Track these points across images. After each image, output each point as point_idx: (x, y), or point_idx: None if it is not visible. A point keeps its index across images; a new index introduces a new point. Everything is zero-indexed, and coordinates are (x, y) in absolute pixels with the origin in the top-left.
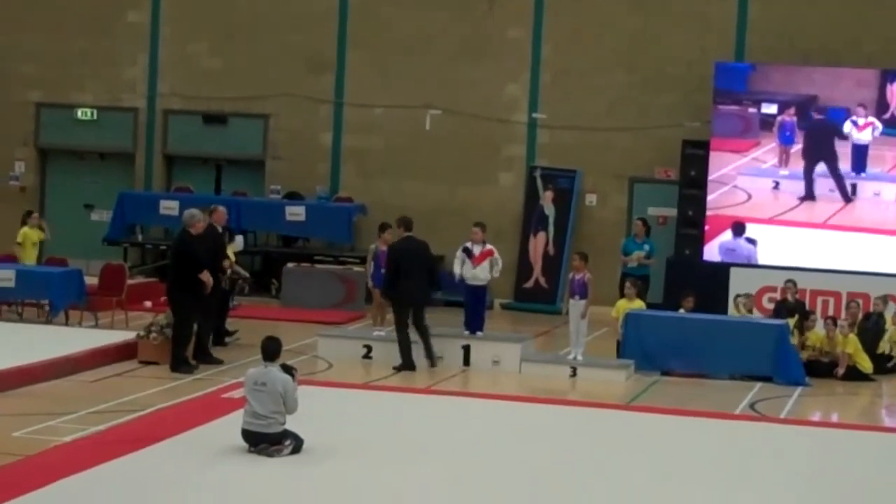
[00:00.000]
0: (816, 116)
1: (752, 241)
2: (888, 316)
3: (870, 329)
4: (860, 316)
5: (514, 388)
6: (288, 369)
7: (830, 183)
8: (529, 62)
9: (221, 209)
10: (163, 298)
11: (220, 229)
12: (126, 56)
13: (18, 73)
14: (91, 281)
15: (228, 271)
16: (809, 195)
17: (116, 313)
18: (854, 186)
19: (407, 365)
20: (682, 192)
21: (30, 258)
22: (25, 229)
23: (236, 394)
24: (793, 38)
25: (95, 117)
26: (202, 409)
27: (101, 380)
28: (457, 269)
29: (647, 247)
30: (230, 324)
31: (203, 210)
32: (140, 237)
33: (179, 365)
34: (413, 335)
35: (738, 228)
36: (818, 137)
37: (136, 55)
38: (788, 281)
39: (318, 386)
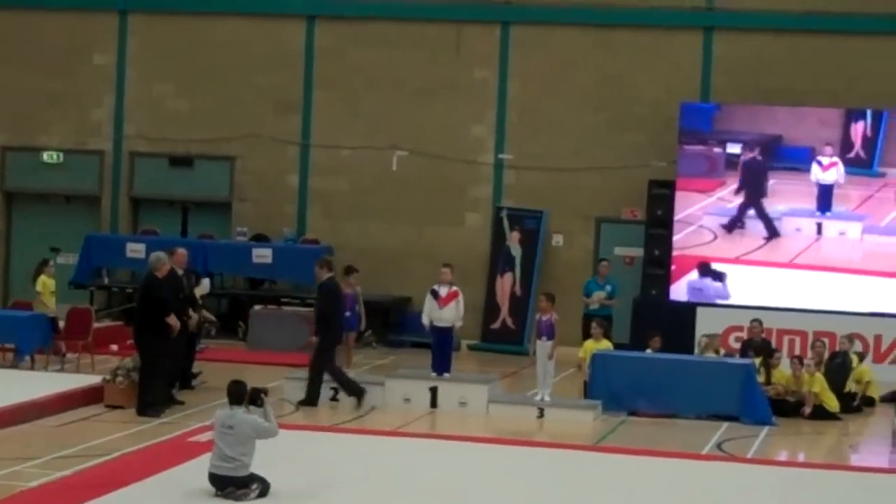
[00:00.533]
0: (747, 155)
1: (719, 278)
2: (854, 355)
3: (836, 368)
4: (826, 355)
5: (482, 430)
6: (256, 396)
7: (797, 222)
8: (496, 102)
9: (181, 251)
10: (129, 342)
11: (179, 272)
12: (92, 98)
13: None
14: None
15: (195, 317)
16: (735, 224)
17: (83, 357)
18: (819, 225)
19: (311, 401)
20: (648, 232)
21: (49, 306)
22: (43, 277)
23: (203, 437)
24: (758, 78)
25: (61, 160)
26: (169, 452)
27: (67, 424)
28: (425, 319)
29: (608, 287)
30: (196, 366)
31: (166, 251)
32: (106, 280)
33: (146, 409)
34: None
35: (705, 268)
36: (751, 175)
37: (102, 97)
38: (754, 320)
39: (285, 429)
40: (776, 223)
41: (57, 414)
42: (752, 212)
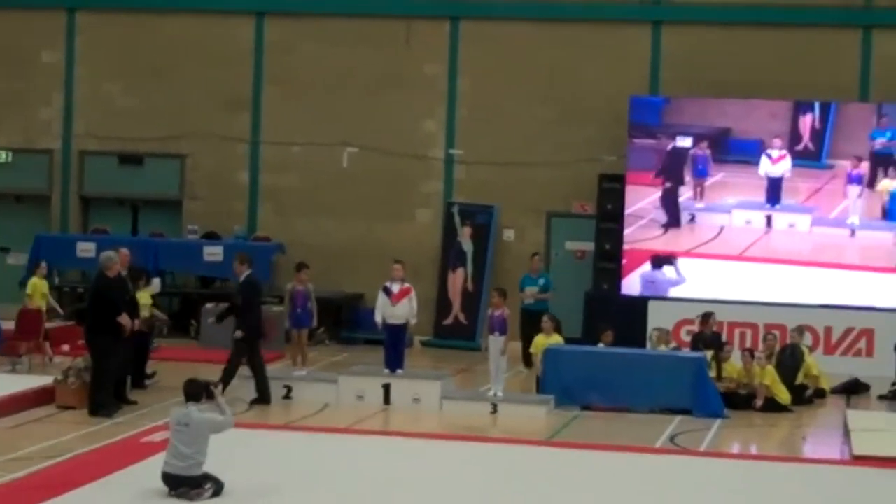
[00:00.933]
0: (671, 145)
1: (670, 262)
2: (804, 347)
3: (786, 361)
4: (777, 348)
5: (435, 426)
6: (206, 389)
7: (746, 214)
8: (446, 98)
9: (124, 251)
10: (81, 342)
11: (122, 272)
12: (40, 97)
13: None
14: (7, 325)
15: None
16: (673, 223)
17: (33, 358)
18: (769, 218)
19: (263, 399)
20: (599, 226)
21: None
22: (34, 279)
23: (156, 437)
24: (706, 71)
25: (10, 159)
26: (122, 453)
27: (19, 426)
28: (378, 317)
29: (541, 281)
30: (150, 366)
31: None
32: (57, 280)
33: (98, 409)
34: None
35: (658, 260)
36: (672, 164)
37: (50, 96)
38: (706, 313)
39: (239, 428)
40: (726, 216)
41: (8, 415)
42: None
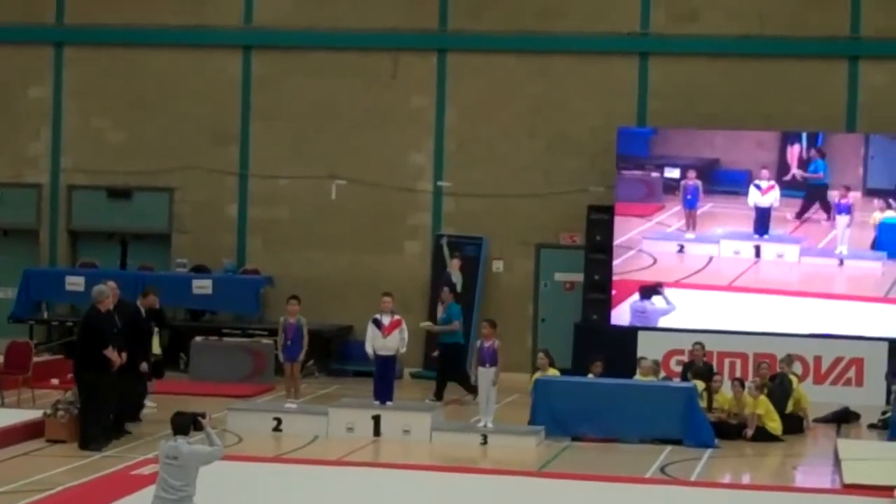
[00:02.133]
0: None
1: (658, 292)
2: (793, 376)
3: (776, 389)
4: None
5: (426, 458)
6: (194, 421)
7: (735, 245)
8: (433, 130)
9: (111, 284)
10: (70, 375)
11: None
12: (29, 132)
13: None
14: None
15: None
16: None
17: (23, 392)
18: (758, 248)
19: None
20: (588, 257)
21: None
22: None
23: (146, 470)
24: (694, 102)
25: None
26: (112, 486)
27: (8, 459)
28: (369, 349)
29: (444, 316)
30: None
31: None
32: (46, 314)
33: (88, 442)
34: None
35: (647, 291)
36: None
37: (38, 130)
38: (696, 343)
39: (229, 460)
40: (714, 246)
41: None
42: (692, 235)
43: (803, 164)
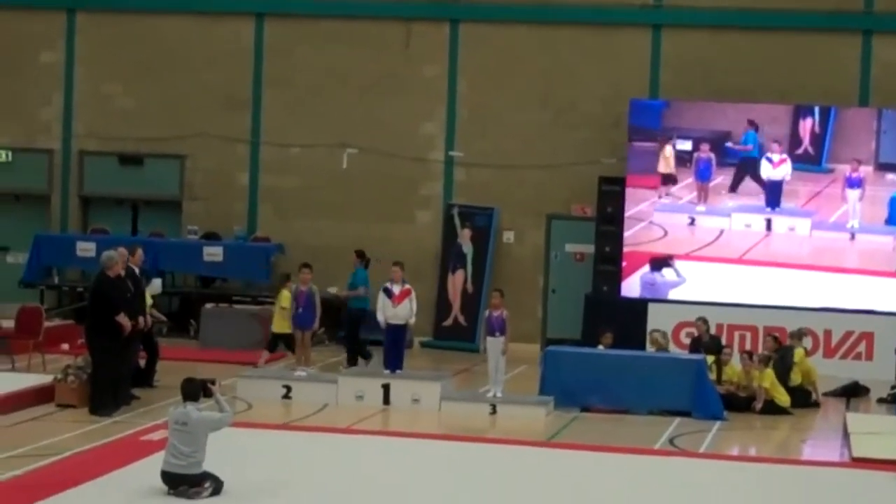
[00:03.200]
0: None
1: (668, 264)
2: (800, 350)
3: (778, 362)
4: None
5: (435, 427)
6: (204, 387)
7: (746, 218)
8: (445, 100)
9: (139, 251)
10: (80, 341)
11: (136, 270)
12: (40, 97)
13: None
14: (7, 324)
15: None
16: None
17: (33, 356)
18: (769, 221)
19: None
20: (598, 229)
21: None
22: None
23: (155, 436)
24: (706, 75)
25: (10, 159)
26: (121, 451)
27: (18, 424)
28: (380, 316)
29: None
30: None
31: (129, 248)
32: (56, 279)
33: (98, 408)
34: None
35: (657, 263)
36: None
37: (50, 96)
38: (699, 318)
39: (238, 427)
40: (726, 219)
41: (8, 413)
42: (703, 208)
43: (815, 138)
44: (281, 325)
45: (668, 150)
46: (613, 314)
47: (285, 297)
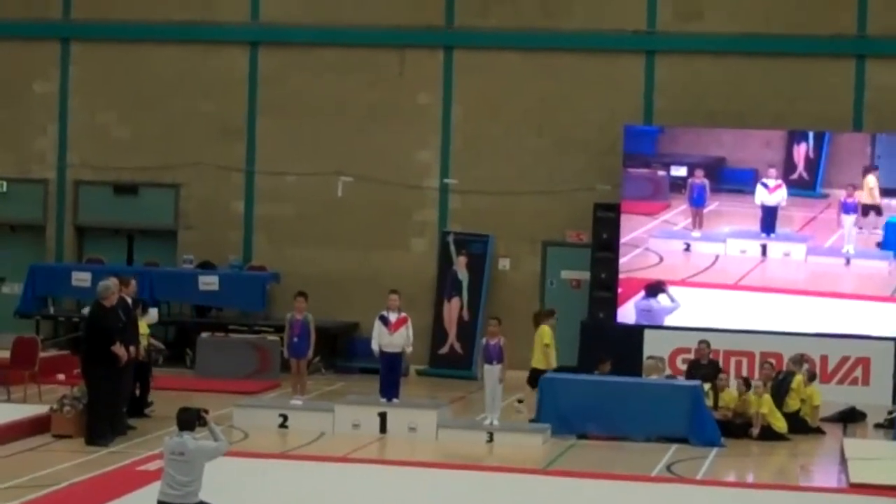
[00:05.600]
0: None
1: (662, 290)
2: (798, 376)
3: (775, 388)
4: (773, 375)
5: (432, 455)
6: (199, 416)
7: (741, 244)
8: (440, 127)
9: (132, 282)
10: (76, 371)
11: (128, 300)
12: (35, 127)
13: None
14: (3, 354)
15: (145, 342)
16: None
17: (29, 387)
18: (764, 247)
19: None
20: (594, 255)
21: None
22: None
23: (152, 466)
24: (700, 101)
25: (5, 189)
26: (118, 481)
27: (15, 455)
28: (375, 346)
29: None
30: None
31: (121, 279)
32: (52, 309)
33: (94, 438)
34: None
35: (652, 289)
36: None
37: (45, 126)
38: (702, 341)
39: (234, 456)
40: (721, 245)
41: (4, 444)
42: (698, 234)
43: (809, 163)
44: (539, 360)
45: (872, 180)
46: (609, 341)
47: (546, 332)
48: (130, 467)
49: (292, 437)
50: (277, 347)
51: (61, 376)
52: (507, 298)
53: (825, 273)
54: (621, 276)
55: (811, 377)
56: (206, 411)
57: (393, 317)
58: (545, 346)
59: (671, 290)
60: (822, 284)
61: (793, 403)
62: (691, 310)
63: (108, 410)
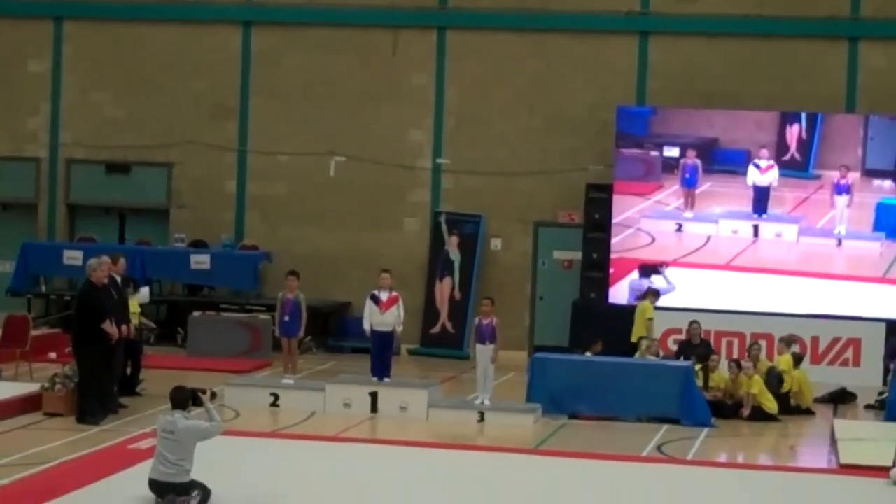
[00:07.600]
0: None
1: (658, 271)
2: (786, 356)
3: (770, 381)
4: (763, 357)
5: (422, 434)
6: (194, 396)
7: (733, 224)
8: (433, 107)
9: (121, 260)
10: (68, 349)
11: (118, 279)
12: (28, 105)
13: None
14: None
15: (136, 321)
16: None
17: (20, 365)
18: (756, 228)
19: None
20: (586, 236)
21: None
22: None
23: (143, 444)
24: (693, 82)
25: None
26: (109, 460)
27: (6, 433)
28: (366, 325)
29: None
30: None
31: (111, 257)
32: (44, 288)
33: (85, 416)
34: None
35: (646, 269)
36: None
37: (37, 104)
38: (693, 322)
39: (226, 435)
40: (713, 225)
41: None
42: (690, 214)
43: (802, 144)
44: (640, 332)
45: None
46: (601, 321)
47: (648, 308)
48: (121, 445)
49: (283, 416)
50: (269, 326)
51: (53, 355)
52: (498, 278)
53: (817, 254)
54: (613, 256)
55: (797, 360)
56: (205, 391)
57: (384, 296)
58: (648, 321)
59: (667, 272)
60: (814, 265)
61: (784, 385)
62: (683, 290)
63: (99, 389)
